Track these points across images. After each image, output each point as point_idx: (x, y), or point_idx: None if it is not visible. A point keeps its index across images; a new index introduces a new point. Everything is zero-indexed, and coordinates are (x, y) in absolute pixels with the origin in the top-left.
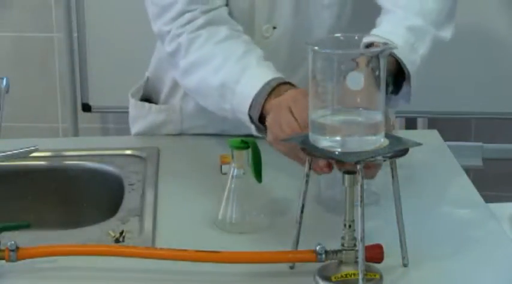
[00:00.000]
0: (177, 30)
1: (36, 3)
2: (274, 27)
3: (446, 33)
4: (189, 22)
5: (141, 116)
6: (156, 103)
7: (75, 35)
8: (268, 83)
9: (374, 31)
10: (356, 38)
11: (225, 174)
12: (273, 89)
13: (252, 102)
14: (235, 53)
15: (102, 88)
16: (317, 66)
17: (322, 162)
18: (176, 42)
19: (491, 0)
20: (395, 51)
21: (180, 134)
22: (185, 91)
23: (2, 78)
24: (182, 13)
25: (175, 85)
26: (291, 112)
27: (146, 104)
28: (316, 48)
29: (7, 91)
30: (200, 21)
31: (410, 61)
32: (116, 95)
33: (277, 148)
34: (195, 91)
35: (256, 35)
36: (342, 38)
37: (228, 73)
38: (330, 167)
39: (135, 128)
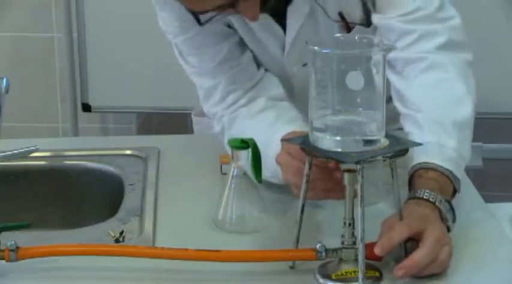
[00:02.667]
0: (222, 112)
1: (36, 3)
2: (304, 65)
3: (468, 53)
4: (233, 103)
5: (205, 130)
6: None
7: (75, 35)
8: None
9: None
10: (356, 38)
11: (225, 174)
12: None
13: None
14: (267, 122)
15: (102, 88)
16: (317, 66)
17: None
18: (221, 123)
19: (491, 0)
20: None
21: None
22: None
23: (2, 78)
24: (226, 95)
25: None
26: (288, 152)
27: (206, 119)
28: (316, 48)
29: (7, 91)
30: (242, 101)
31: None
32: (116, 95)
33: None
34: None
35: (288, 75)
36: (342, 38)
37: (259, 142)
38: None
39: None
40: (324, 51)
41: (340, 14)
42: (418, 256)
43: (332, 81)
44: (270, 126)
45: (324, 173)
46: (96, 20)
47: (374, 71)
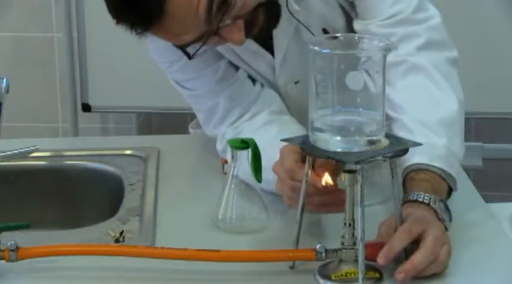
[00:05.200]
0: (225, 129)
1: (36, 3)
2: (296, 82)
3: (451, 51)
4: (236, 120)
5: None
6: None
7: (75, 35)
8: None
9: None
10: (356, 38)
11: (226, 173)
12: None
13: None
14: (269, 136)
15: (102, 88)
16: (317, 66)
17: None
18: (223, 141)
19: (491, 0)
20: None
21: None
22: None
23: (2, 78)
24: (227, 112)
25: None
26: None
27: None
28: (316, 48)
29: (7, 91)
30: (246, 116)
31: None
32: (116, 95)
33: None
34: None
35: (281, 94)
36: (342, 38)
37: (263, 157)
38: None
39: None
40: (324, 51)
41: (324, 30)
42: (417, 258)
43: (332, 81)
44: (272, 140)
45: (320, 189)
46: (96, 20)
47: (374, 70)
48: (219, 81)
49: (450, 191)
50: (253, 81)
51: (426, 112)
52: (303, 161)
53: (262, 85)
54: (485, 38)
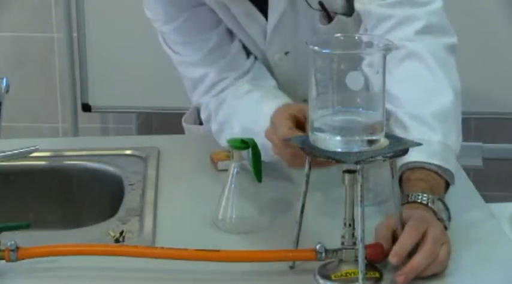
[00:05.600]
0: (209, 99)
1: (36, 3)
2: (286, 53)
3: (451, 37)
4: (221, 91)
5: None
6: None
7: (75, 35)
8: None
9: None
10: (356, 38)
11: (221, 170)
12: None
13: None
14: (253, 100)
15: (102, 88)
16: (317, 66)
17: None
18: (207, 110)
19: (491, 0)
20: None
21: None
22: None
23: (2, 78)
24: (214, 85)
25: None
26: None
27: (195, 126)
28: (316, 48)
29: (7, 91)
30: (231, 89)
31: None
32: (116, 95)
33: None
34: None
35: (270, 65)
36: (342, 38)
37: (247, 120)
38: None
39: None
40: (324, 51)
41: (321, 3)
42: (417, 259)
43: (332, 81)
44: (256, 103)
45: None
46: (96, 20)
47: (374, 70)
48: (211, 52)
49: (448, 186)
50: (248, 55)
51: (420, 104)
52: (296, 126)
53: (255, 58)
54: (485, 38)
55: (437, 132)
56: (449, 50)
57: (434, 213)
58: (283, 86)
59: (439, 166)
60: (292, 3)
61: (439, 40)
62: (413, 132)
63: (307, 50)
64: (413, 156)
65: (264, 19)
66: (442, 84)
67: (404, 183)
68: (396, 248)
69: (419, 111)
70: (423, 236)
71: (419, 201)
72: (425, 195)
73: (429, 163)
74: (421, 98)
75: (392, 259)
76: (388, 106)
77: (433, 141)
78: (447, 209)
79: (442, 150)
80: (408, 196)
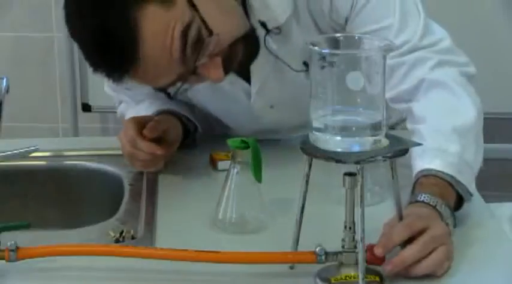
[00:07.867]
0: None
1: (36, 3)
2: (272, 106)
3: (468, 67)
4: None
5: None
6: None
7: None
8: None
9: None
10: (356, 38)
11: (220, 170)
12: None
13: None
14: (143, 107)
15: (102, 88)
16: (317, 66)
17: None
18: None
19: (491, 0)
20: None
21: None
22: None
23: (2, 78)
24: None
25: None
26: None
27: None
28: (316, 48)
29: (7, 91)
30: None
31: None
32: None
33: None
34: None
35: (256, 115)
36: (342, 38)
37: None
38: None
39: None
40: (324, 51)
41: (305, 63)
42: (406, 252)
43: (332, 81)
44: (147, 108)
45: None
46: None
47: (374, 71)
48: (147, 94)
49: (460, 200)
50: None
51: (443, 121)
52: (142, 130)
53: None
54: (485, 38)
55: (455, 143)
56: (466, 77)
57: (441, 216)
58: (267, 128)
59: (452, 177)
60: (275, 68)
61: (455, 69)
62: (430, 141)
63: (292, 103)
64: (429, 164)
65: (247, 85)
66: (465, 103)
67: (417, 186)
68: (383, 240)
69: (441, 126)
70: (421, 233)
71: (427, 201)
72: (434, 197)
73: (442, 172)
74: (444, 115)
75: (377, 250)
76: (410, 126)
77: (449, 152)
78: (454, 217)
79: (458, 163)
80: (417, 195)
